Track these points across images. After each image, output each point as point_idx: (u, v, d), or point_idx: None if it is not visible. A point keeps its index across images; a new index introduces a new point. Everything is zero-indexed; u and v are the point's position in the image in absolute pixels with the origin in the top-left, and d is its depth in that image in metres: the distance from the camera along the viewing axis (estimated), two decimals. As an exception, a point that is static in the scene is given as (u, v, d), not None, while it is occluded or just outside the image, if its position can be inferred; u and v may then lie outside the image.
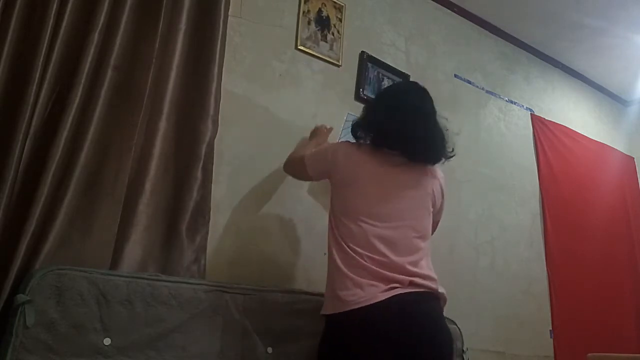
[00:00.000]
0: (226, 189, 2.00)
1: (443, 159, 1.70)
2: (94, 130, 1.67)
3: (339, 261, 1.54)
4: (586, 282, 3.25)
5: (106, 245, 1.64)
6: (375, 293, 1.46)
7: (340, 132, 2.18)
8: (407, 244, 1.57)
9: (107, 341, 1.44)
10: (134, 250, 1.70)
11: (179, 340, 1.56)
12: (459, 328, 2.19)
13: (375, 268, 1.50)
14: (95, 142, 1.67)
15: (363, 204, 1.59)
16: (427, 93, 1.76)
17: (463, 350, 2.17)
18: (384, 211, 1.58)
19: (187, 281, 1.66)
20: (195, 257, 1.82)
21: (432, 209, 1.69)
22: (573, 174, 3.48)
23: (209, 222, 1.87)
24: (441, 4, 3.01)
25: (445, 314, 2.18)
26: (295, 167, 1.89)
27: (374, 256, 1.51)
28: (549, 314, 3.07)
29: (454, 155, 1.72)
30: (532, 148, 3.35)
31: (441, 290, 1.61)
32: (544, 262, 3.16)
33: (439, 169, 1.76)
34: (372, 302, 1.45)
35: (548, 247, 3.19)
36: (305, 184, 2.16)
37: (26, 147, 1.55)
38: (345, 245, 1.55)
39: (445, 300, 1.64)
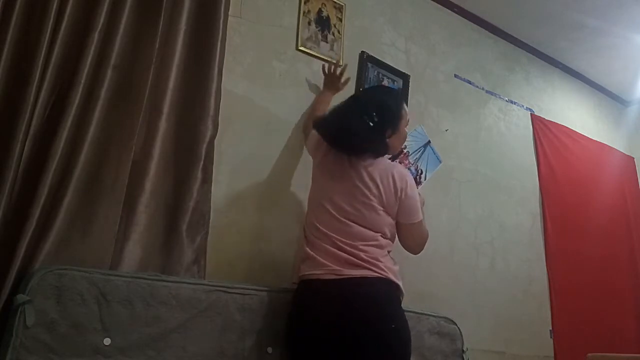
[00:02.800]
0: (226, 189, 2.00)
1: (366, 152, 1.76)
2: (94, 130, 1.67)
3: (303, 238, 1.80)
4: (586, 282, 3.25)
5: (106, 245, 1.64)
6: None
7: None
8: (355, 232, 1.69)
9: (107, 341, 1.44)
10: (134, 250, 1.70)
11: (179, 340, 1.56)
12: (459, 328, 2.19)
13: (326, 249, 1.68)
14: (95, 142, 1.67)
15: (321, 193, 1.79)
16: (372, 94, 1.94)
17: (463, 350, 2.17)
18: (331, 203, 1.73)
19: (187, 281, 1.66)
20: (195, 257, 1.81)
21: (379, 207, 1.73)
22: (573, 174, 3.48)
23: (209, 222, 1.87)
24: (441, 4, 3.01)
25: (445, 314, 2.20)
26: (306, 130, 2.11)
27: (325, 242, 1.70)
28: (549, 314, 3.07)
29: (382, 152, 1.79)
30: (532, 148, 3.35)
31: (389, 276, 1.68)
32: (544, 262, 3.15)
33: (401, 170, 1.80)
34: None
35: (548, 247, 3.19)
36: (307, 185, 2.16)
37: (26, 147, 1.55)
38: (306, 229, 1.79)
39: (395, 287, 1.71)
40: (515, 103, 3.33)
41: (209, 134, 1.90)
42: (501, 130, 3.19)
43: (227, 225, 1.97)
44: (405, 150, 2.05)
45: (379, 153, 1.79)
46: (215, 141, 1.93)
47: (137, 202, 1.74)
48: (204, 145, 1.88)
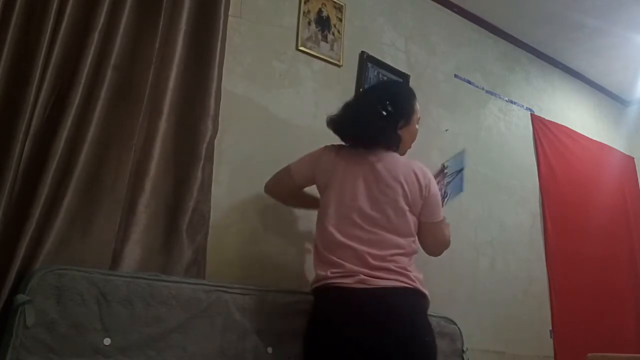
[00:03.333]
0: (226, 189, 2.00)
1: (378, 143, 1.70)
2: (94, 130, 1.66)
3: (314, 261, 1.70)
4: (586, 282, 3.25)
5: (106, 245, 1.64)
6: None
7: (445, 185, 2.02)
8: (383, 241, 1.61)
9: (107, 341, 1.43)
10: (134, 250, 1.70)
11: (179, 340, 1.55)
12: (459, 328, 2.19)
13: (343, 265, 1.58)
14: (95, 142, 1.67)
15: (341, 203, 1.66)
16: (384, 86, 1.92)
17: (463, 350, 2.17)
18: (354, 211, 1.64)
19: (187, 281, 1.66)
20: (195, 257, 1.81)
21: (406, 207, 1.66)
22: (573, 174, 3.49)
23: (209, 222, 1.87)
24: (441, 4, 3.01)
25: (445, 314, 2.20)
26: (279, 177, 1.86)
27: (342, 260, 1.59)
28: (549, 314, 3.07)
29: (393, 143, 1.73)
30: (532, 148, 3.35)
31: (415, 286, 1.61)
32: (544, 262, 3.16)
33: (421, 167, 1.74)
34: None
35: (548, 247, 3.19)
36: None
37: (26, 147, 1.55)
38: (319, 246, 1.67)
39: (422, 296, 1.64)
40: (515, 103, 3.33)
41: (209, 134, 1.90)
42: (501, 130, 3.19)
43: (227, 225, 1.97)
44: (445, 171, 1.98)
45: (390, 144, 1.73)
46: (215, 141, 1.93)
47: (137, 202, 1.74)
48: (204, 145, 1.88)
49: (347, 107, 1.77)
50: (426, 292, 1.63)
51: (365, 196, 1.65)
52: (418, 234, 1.74)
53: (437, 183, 1.83)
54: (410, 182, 1.67)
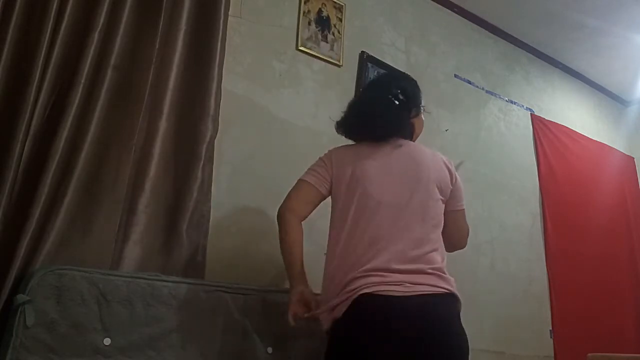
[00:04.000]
0: (226, 189, 2.00)
1: (395, 132, 1.63)
2: (94, 130, 1.67)
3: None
4: (586, 282, 3.25)
5: (106, 245, 1.64)
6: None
7: None
8: (410, 236, 1.51)
9: (107, 341, 1.44)
10: (134, 250, 1.71)
11: (179, 340, 1.56)
12: (459, 328, 2.19)
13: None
14: (95, 142, 1.67)
15: (361, 204, 1.55)
16: (390, 77, 1.92)
17: (463, 350, 2.16)
18: (383, 206, 1.53)
19: (187, 281, 1.66)
20: (195, 257, 1.82)
21: (438, 194, 1.60)
22: (573, 174, 3.49)
23: (209, 222, 1.87)
24: (441, 4, 3.01)
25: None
26: (297, 190, 1.67)
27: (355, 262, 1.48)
28: (549, 314, 3.07)
29: (409, 132, 1.67)
30: (532, 148, 3.35)
31: (444, 286, 1.50)
32: (544, 262, 3.15)
33: (440, 154, 1.70)
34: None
35: (548, 247, 3.19)
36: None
37: (26, 147, 1.55)
38: (341, 252, 1.53)
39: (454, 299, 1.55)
40: (515, 103, 3.33)
41: (209, 134, 1.90)
42: (501, 130, 3.19)
43: (227, 225, 1.97)
44: None
45: (406, 134, 1.67)
46: (215, 141, 1.93)
47: (137, 202, 1.74)
48: (204, 145, 1.88)
49: (353, 106, 1.71)
50: (459, 295, 1.54)
51: (394, 186, 1.56)
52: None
53: None
54: (440, 169, 1.63)
